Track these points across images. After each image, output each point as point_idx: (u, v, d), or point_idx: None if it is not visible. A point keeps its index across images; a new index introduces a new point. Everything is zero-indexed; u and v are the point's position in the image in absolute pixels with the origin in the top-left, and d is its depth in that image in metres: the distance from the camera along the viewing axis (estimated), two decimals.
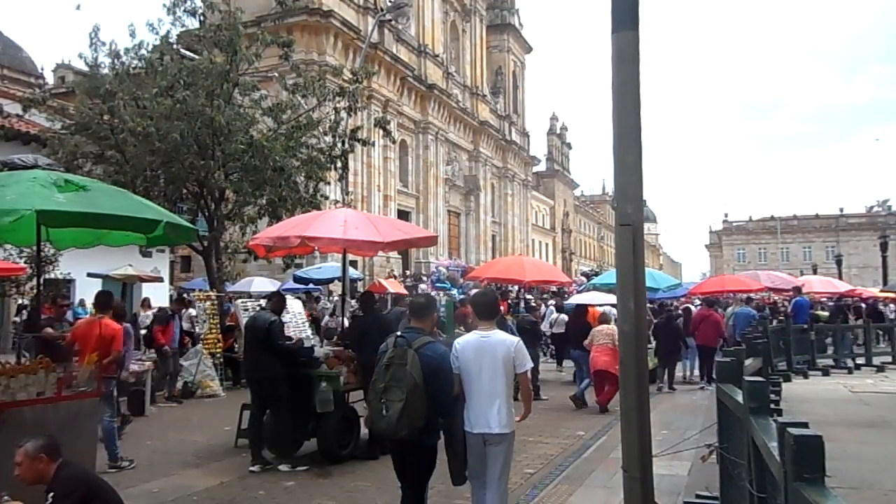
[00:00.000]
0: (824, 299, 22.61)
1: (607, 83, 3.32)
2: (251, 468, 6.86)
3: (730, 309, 16.79)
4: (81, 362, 6.23)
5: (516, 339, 4.41)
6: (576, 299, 12.67)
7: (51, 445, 3.63)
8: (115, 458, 6.79)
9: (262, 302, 13.49)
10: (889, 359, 17.23)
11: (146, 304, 16.69)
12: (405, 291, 18.80)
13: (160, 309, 14.23)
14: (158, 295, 18.68)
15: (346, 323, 9.83)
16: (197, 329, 13.17)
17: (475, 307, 4.76)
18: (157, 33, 15.06)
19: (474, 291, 18.38)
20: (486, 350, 4.24)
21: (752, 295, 18.13)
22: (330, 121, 14.93)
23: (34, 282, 10.93)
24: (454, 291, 20.21)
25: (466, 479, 4.37)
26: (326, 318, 16.06)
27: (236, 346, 13.42)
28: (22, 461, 3.55)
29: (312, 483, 6.49)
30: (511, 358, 4.21)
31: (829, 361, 15.97)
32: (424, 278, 27.65)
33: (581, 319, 11.75)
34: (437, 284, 21.91)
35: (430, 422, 4.09)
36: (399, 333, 4.37)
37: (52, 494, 3.47)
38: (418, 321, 4.52)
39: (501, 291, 19.35)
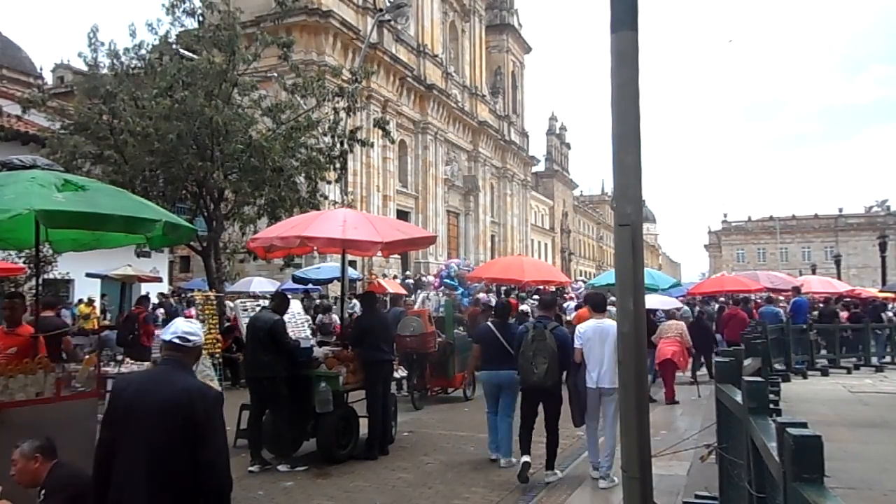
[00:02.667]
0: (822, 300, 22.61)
1: (607, 83, 3.32)
2: (250, 468, 6.86)
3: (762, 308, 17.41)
4: None
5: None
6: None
7: (47, 446, 3.64)
8: None
9: (262, 302, 13.50)
10: (888, 359, 17.26)
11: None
12: (404, 291, 18.80)
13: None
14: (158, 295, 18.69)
15: (337, 321, 9.84)
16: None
17: (590, 302, 7.12)
18: (156, 33, 15.07)
19: (482, 295, 18.45)
20: (600, 331, 6.33)
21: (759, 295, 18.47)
22: (329, 121, 14.92)
23: (33, 282, 10.90)
24: (459, 291, 20.17)
25: (584, 422, 6.51)
26: (319, 315, 16.05)
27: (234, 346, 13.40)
28: (17, 461, 3.55)
29: (311, 483, 6.49)
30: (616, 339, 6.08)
31: (826, 362, 16.03)
32: (424, 278, 27.60)
33: (648, 319, 11.97)
34: (447, 281, 21.82)
35: (559, 377, 6.35)
36: (535, 320, 6.93)
37: (43, 492, 3.49)
38: (545, 311, 7.07)
39: (505, 292, 19.34)
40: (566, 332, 6.71)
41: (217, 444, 2.87)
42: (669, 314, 12.25)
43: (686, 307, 14.87)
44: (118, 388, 3.13)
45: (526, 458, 6.42)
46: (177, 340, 3.07)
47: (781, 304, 19.19)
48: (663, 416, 9.85)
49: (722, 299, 19.72)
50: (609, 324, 6.24)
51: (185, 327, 3.13)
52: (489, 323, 7.40)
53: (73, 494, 3.52)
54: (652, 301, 12.72)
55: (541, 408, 6.52)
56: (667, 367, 11.26)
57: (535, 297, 20.67)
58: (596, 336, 6.32)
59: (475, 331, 8.99)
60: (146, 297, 14.21)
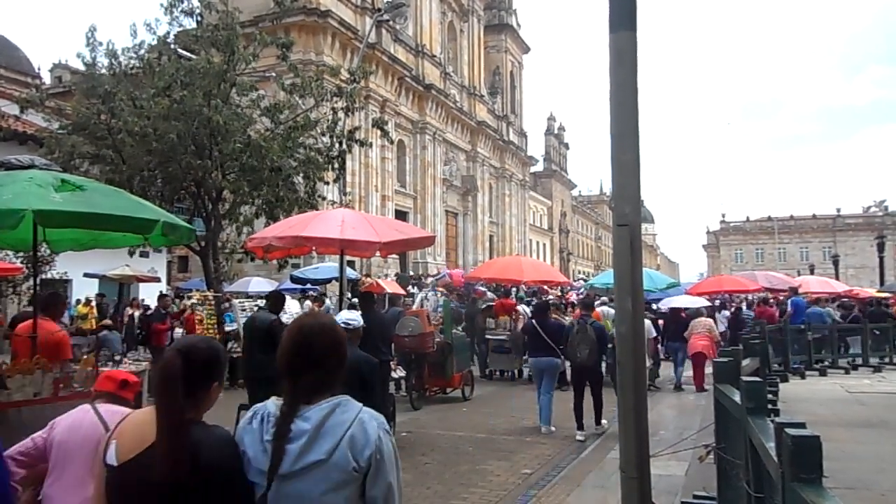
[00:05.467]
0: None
1: (605, 83, 3.32)
2: None
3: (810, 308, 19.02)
4: None
5: (647, 321, 8.60)
6: (669, 302, 15.04)
7: None
8: None
9: (260, 302, 13.50)
10: (886, 359, 17.28)
11: (135, 303, 16.81)
12: (402, 291, 18.79)
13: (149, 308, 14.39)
14: (155, 295, 18.66)
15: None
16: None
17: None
18: (154, 33, 15.04)
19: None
20: None
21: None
22: (327, 121, 14.90)
23: (31, 282, 10.89)
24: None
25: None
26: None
27: (234, 345, 13.40)
28: None
29: None
30: (648, 329, 8.59)
31: (827, 362, 16.10)
32: (424, 278, 27.63)
33: (677, 317, 13.91)
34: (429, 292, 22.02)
35: (598, 358, 8.57)
36: (579, 317, 9.39)
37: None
38: (586, 311, 9.71)
39: (504, 291, 19.35)
40: (602, 326, 8.89)
41: (378, 394, 4.26)
42: (697, 312, 13.53)
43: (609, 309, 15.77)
44: None
45: (579, 437, 8.38)
46: (342, 325, 4.02)
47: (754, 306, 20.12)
48: (662, 416, 9.85)
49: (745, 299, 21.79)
50: None
51: (346, 315, 4.55)
52: (532, 320, 9.61)
53: None
54: (681, 300, 14.63)
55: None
56: (699, 359, 12.43)
57: (537, 298, 20.70)
58: None
59: (523, 326, 11.26)
60: (165, 296, 14.66)
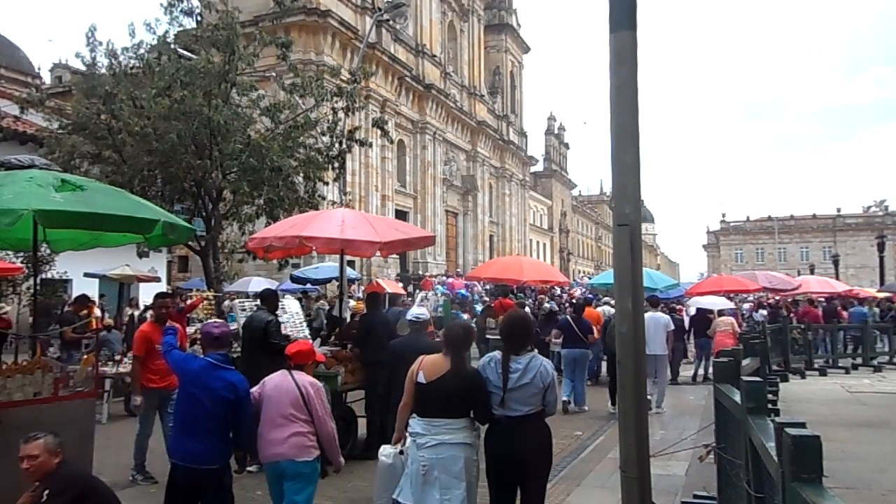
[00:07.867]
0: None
1: (606, 83, 3.31)
2: (248, 468, 6.84)
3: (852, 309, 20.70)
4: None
5: (666, 316, 11.03)
6: (697, 302, 16.19)
7: (64, 443, 3.66)
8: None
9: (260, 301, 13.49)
10: (885, 359, 17.28)
11: (133, 303, 16.81)
12: (402, 291, 18.80)
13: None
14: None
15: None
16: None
17: (649, 301, 10.37)
18: (154, 33, 15.05)
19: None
20: (654, 319, 9.92)
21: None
22: (327, 121, 14.91)
23: (31, 282, 10.89)
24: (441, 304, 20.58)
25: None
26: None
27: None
28: (39, 454, 3.52)
29: None
30: (665, 324, 10.42)
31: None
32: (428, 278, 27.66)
33: (703, 316, 14.95)
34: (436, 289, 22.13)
35: None
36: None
37: (47, 492, 3.45)
38: None
39: (503, 292, 19.37)
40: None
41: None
42: (720, 312, 14.53)
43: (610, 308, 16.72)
44: (395, 345, 6.19)
45: (612, 409, 9.71)
46: (413, 319, 6.13)
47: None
48: (661, 416, 9.85)
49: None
50: (658, 315, 10.53)
51: (416, 311, 6.21)
52: (567, 316, 11.41)
53: (77, 495, 3.49)
54: (704, 302, 15.76)
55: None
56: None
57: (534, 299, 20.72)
58: (651, 322, 9.23)
59: (558, 322, 12.14)
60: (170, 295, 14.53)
